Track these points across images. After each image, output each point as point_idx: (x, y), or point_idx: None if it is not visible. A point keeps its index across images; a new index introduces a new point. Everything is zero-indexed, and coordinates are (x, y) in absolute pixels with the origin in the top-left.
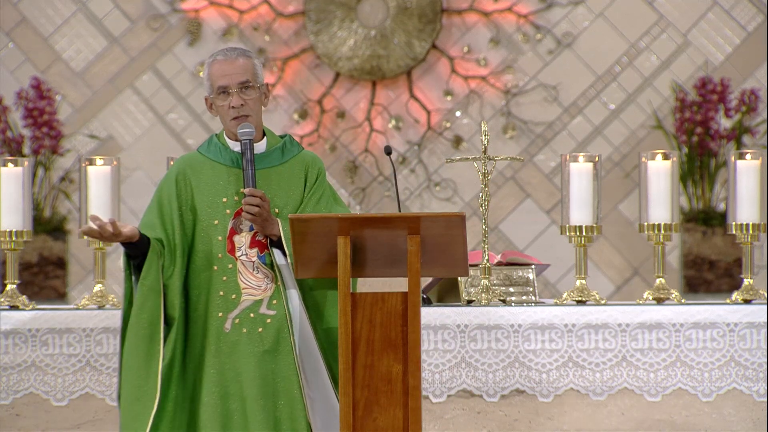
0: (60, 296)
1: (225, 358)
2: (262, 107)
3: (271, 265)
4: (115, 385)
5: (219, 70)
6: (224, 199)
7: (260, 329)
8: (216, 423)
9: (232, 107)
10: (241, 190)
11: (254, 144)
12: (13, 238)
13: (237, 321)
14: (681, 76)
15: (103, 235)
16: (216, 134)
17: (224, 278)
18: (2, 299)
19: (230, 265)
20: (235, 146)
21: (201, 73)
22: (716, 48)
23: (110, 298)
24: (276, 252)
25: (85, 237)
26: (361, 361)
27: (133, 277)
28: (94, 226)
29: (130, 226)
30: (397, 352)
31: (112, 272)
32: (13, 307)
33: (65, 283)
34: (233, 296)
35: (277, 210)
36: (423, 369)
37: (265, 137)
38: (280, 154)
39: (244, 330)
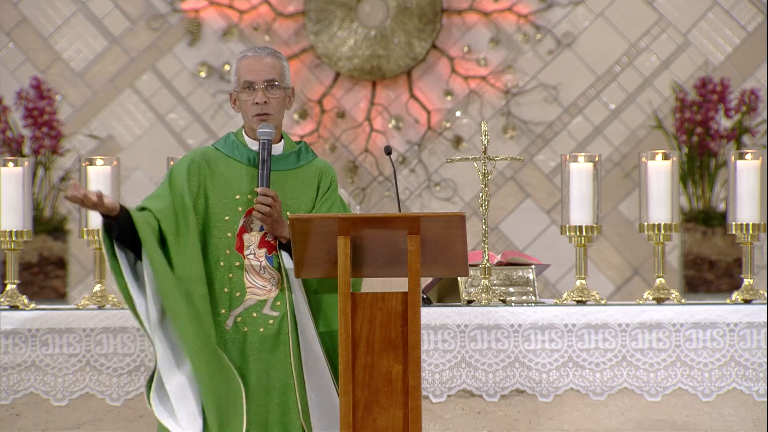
0: (60, 296)
1: (224, 354)
2: (285, 110)
3: (278, 267)
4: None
5: (247, 66)
6: (237, 196)
7: (261, 329)
8: (211, 418)
9: (256, 103)
10: (255, 189)
11: (272, 145)
12: (13, 238)
13: (239, 319)
14: (681, 76)
15: (85, 203)
16: (233, 132)
17: (230, 275)
18: (2, 299)
19: (237, 263)
20: (253, 145)
21: (201, 73)
22: (716, 48)
23: (110, 298)
24: (284, 254)
25: (68, 201)
26: (361, 361)
27: (119, 252)
28: (78, 194)
29: (111, 198)
30: (397, 352)
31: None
32: (13, 307)
33: (65, 283)
34: (237, 294)
35: (288, 213)
36: (423, 369)
37: (282, 140)
38: (296, 159)
39: (245, 329)
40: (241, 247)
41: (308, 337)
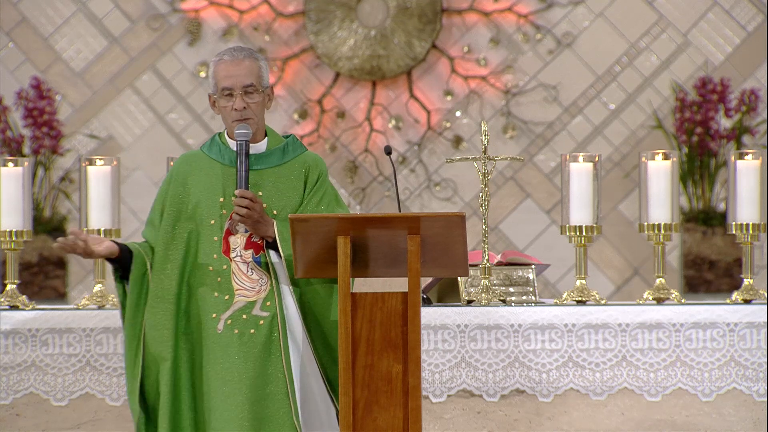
0: (60, 296)
1: (216, 358)
2: (265, 109)
3: (267, 267)
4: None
5: (224, 71)
6: (221, 199)
7: (252, 330)
8: (203, 423)
9: (235, 110)
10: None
11: (255, 144)
12: (13, 238)
13: (229, 322)
14: (681, 76)
15: (75, 250)
16: (219, 133)
17: (218, 279)
18: (2, 299)
19: (225, 266)
20: (234, 146)
21: (201, 73)
22: (716, 48)
23: (110, 298)
24: (271, 252)
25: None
26: (361, 361)
27: (125, 284)
28: (68, 241)
29: (106, 244)
30: (397, 352)
31: (111, 272)
32: (13, 307)
33: (65, 283)
34: (226, 297)
35: (275, 211)
36: (423, 369)
37: (266, 138)
38: (281, 155)
39: (236, 331)
40: (227, 250)
41: (298, 335)
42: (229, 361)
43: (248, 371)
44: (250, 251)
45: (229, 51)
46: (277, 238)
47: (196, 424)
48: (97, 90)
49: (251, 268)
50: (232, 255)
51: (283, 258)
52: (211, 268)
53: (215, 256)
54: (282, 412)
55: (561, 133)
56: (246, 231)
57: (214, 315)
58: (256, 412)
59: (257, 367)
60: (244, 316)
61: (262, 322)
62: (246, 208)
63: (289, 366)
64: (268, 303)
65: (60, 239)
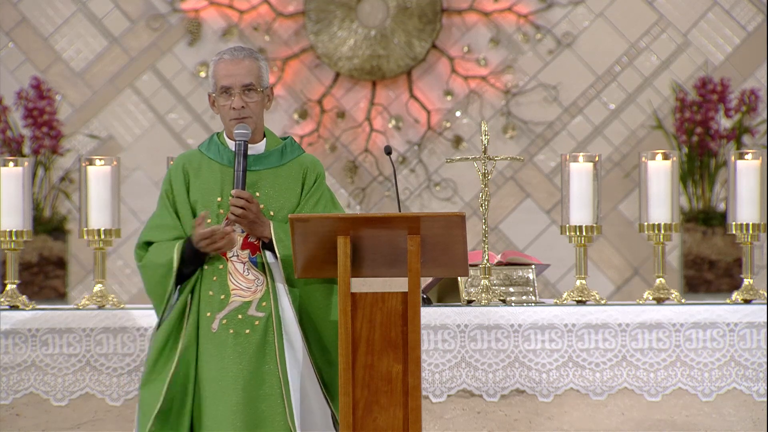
0: (60, 296)
1: (210, 358)
2: (264, 110)
3: (263, 267)
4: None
5: (224, 70)
6: (218, 199)
7: (247, 331)
8: (197, 423)
9: (233, 108)
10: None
11: (253, 145)
12: (13, 238)
13: (224, 321)
14: (681, 76)
15: (223, 246)
16: (217, 133)
17: (214, 278)
18: (2, 299)
19: (221, 266)
20: (233, 146)
21: (201, 73)
22: (716, 48)
23: (110, 298)
24: (268, 253)
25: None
26: (361, 361)
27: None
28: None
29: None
30: (397, 352)
31: (112, 272)
32: (13, 307)
33: (65, 283)
34: (222, 296)
35: (272, 212)
36: (423, 369)
37: (265, 138)
38: (279, 156)
39: (231, 331)
40: None
41: (292, 339)
42: (224, 361)
43: (242, 371)
44: (247, 251)
45: (230, 50)
46: (273, 238)
47: (189, 424)
48: (97, 90)
49: (248, 269)
50: (229, 255)
51: (279, 259)
52: (206, 266)
53: (211, 255)
54: (276, 413)
55: (561, 133)
56: (243, 231)
57: (209, 314)
58: (249, 412)
59: (252, 367)
60: (240, 316)
61: (257, 322)
62: (242, 208)
63: (284, 367)
64: (264, 303)
65: (228, 229)
